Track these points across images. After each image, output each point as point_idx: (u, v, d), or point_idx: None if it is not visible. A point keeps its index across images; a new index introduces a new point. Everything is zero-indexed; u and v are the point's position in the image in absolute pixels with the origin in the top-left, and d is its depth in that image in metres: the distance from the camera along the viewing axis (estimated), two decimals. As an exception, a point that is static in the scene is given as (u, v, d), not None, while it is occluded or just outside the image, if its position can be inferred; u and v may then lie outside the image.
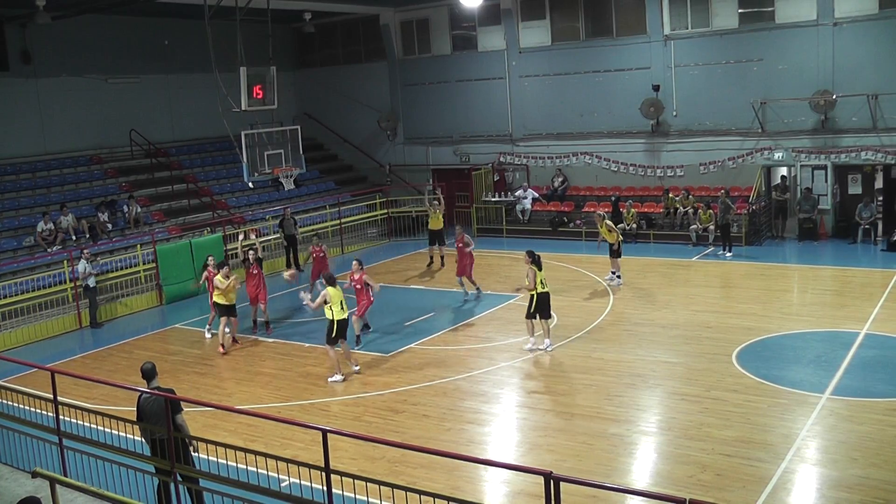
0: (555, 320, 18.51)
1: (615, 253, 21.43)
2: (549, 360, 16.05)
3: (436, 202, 24.91)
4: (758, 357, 15.38)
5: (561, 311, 19.23)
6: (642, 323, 18.08)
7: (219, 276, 18.05)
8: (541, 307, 16.42)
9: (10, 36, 26.04)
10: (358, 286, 17.38)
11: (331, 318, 15.37)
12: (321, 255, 21.42)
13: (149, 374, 10.21)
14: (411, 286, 22.94)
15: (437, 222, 24.51)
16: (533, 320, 16.56)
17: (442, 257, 24.63)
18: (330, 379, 15.58)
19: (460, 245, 20.83)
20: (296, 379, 16.00)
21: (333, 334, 15.49)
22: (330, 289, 15.37)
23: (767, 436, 12.01)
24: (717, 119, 26.93)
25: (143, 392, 10.07)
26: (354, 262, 17.57)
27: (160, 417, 9.80)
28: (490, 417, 13.63)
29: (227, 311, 18.03)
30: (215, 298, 18.25)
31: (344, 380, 15.53)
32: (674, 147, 27.86)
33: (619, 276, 21.43)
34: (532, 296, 16.42)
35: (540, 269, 16.40)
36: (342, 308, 15.42)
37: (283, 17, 30.53)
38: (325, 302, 15.34)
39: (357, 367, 15.92)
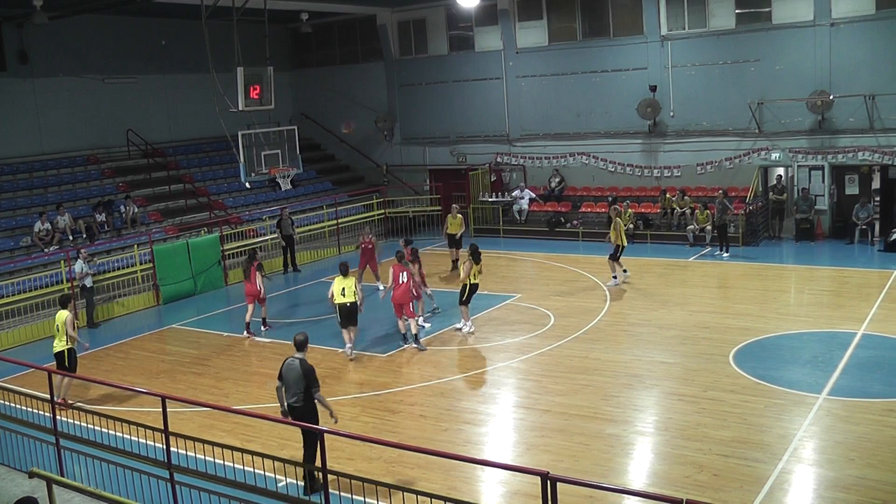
0: (552, 320, 18.58)
1: (616, 255, 21.38)
2: (547, 361, 16.05)
3: (454, 209, 24.42)
4: (755, 357, 15.40)
5: (558, 311, 19.26)
6: (639, 323, 18.09)
7: (67, 314, 14.81)
8: (471, 295, 18.01)
9: (7, 36, 26.02)
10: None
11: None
12: (370, 246, 21.88)
13: (299, 345, 11.17)
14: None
15: (455, 227, 23.87)
16: (465, 307, 18.02)
17: (455, 260, 23.96)
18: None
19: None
20: (293, 379, 15.97)
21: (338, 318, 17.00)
22: (337, 279, 16.82)
23: (764, 436, 12.02)
24: (714, 119, 26.96)
25: (287, 358, 11.12)
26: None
27: (291, 384, 10.87)
28: (487, 417, 13.63)
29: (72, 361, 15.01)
30: (63, 346, 14.74)
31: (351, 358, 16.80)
32: (671, 147, 27.88)
33: (615, 277, 21.44)
34: (465, 285, 17.82)
35: (477, 263, 17.79)
36: (342, 294, 16.61)
37: (279, 18, 30.52)
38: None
39: (348, 352, 16.92)
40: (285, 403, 11.03)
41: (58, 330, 14.78)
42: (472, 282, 17.80)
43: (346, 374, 16.08)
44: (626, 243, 21.78)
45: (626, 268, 21.77)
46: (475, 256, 17.79)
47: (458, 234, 23.94)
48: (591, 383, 14.69)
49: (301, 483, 10.56)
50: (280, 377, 11.08)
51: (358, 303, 16.71)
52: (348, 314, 16.68)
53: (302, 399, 10.84)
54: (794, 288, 21.28)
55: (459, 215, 24.14)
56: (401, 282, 17.29)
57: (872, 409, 12.73)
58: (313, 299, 22.29)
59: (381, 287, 21.81)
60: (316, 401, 10.90)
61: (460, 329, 18.22)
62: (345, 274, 16.79)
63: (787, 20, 25.30)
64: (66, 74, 27.64)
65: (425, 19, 32.31)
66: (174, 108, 31.00)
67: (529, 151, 30.77)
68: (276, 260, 26.22)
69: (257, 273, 19.14)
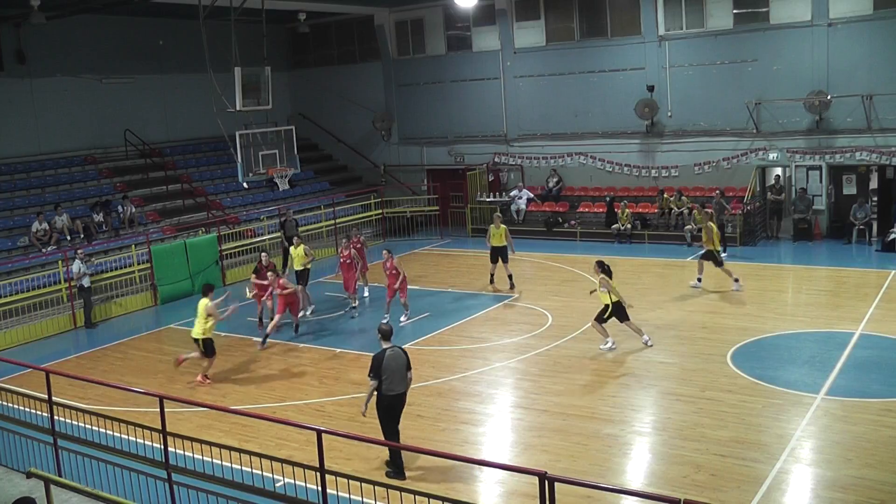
0: (550, 320, 18.59)
1: (718, 261, 20.60)
2: (545, 361, 16.05)
3: (497, 218, 22.69)
4: (752, 357, 15.41)
5: (556, 311, 19.26)
6: (637, 323, 18.04)
7: (208, 303, 15.83)
8: (617, 313, 16.34)
9: (5, 36, 25.98)
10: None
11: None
12: (358, 245, 21.65)
13: (390, 334, 11.49)
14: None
15: (499, 238, 21.86)
16: (603, 324, 16.39)
17: (510, 276, 22.07)
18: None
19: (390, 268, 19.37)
20: (290, 379, 16.00)
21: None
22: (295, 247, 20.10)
23: (762, 436, 12.04)
24: (711, 119, 26.97)
25: (384, 349, 11.27)
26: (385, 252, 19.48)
27: (398, 373, 11.17)
28: (484, 418, 13.64)
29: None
30: (199, 335, 15.85)
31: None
32: (668, 147, 27.89)
33: (735, 281, 20.41)
34: (607, 305, 16.21)
35: (610, 278, 16.30)
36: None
37: (277, 18, 30.49)
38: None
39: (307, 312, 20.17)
40: (393, 393, 11.22)
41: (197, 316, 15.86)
42: (614, 300, 16.17)
43: (344, 373, 16.09)
44: (719, 247, 20.93)
45: (738, 277, 20.54)
46: (609, 272, 16.35)
47: (503, 247, 21.83)
48: (589, 383, 14.71)
49: (299, 483, 10.56)
50: (376, 373, 11.11)
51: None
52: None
53: (406, 384, 11.35)
54: (792, 288, 21.31)
55: (503, 225, 22.05)
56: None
57: (870, 409, 12.75)
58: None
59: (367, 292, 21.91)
60: (408, 380, 11.39)
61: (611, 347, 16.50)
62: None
63: (785, 20, 25.31)
64: (64, 74, 27.60)
65: (423, 19, 32.31)
66: (172, 108, 30.97)
67: (527, 151, 30.76)
68: (274, 260, 26.21)
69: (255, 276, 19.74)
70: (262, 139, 22.39)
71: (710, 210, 23.04)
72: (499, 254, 21.89)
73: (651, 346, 16.37)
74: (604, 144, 29.03)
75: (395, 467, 11.30)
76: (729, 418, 12.72)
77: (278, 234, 26.34)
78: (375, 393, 11.25)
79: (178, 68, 30.17)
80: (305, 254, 20.56)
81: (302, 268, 20.51)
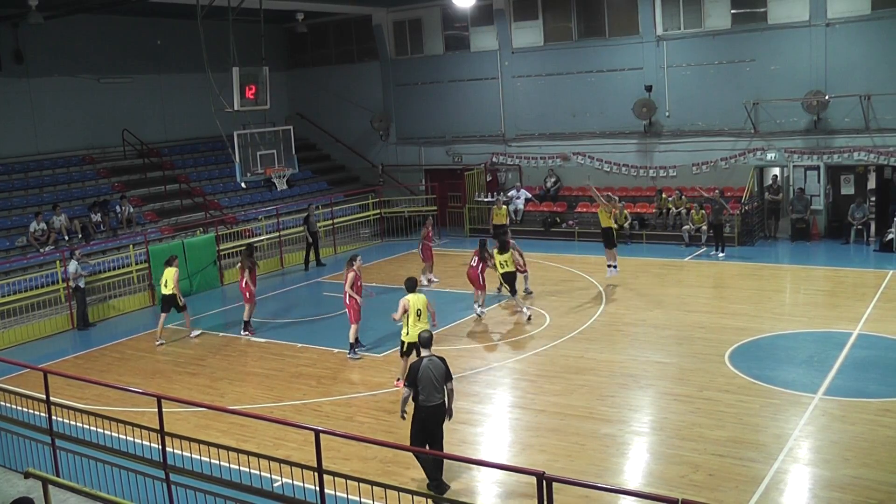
0: (548, 320, 18.59)
1: (612, 243, 21.38)
2: (543, 361, 16.06)
3: (501, 199, 25.71)
4: (750, 357, 15.42)
5: (554, 311, 19.26)
6: (635, 323, 18.10)
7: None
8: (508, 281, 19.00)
9: (3, 36, 25.95)
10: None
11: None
12: (428, 232, 23.09)
13: (429, 342, 11.15)
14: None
15: (501, 217, 24.89)
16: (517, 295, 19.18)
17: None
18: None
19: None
20: (288, 379, 15.99)
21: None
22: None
23: (760, 436, 12.04)
24: (709, 119, 26.97)
25: (422, 358, 10.83)
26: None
27: (436, 383, 10.62)
28: (482, 418, 13.64)
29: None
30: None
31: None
32: (666, 147, 27.90)
33: (615, 267, 21.33)
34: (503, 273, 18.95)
35: (501, 253, 18.87)
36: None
37: (275, 18, 30.51)
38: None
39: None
40: (430, 405, 10.62)
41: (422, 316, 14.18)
42: (503, 271, 18.91)
43: (341, 373, 16.08)
44: (613, 224, 21.75)
45: (616, 265, 21.45)
46: (503, 248, 18.95)
47: (504, 225, 24.44)
48: (587, 383, 14.70)
49: (296, 483, 10.56)
50: (412, 382, 10.53)
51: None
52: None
53: (443, 396, 10.73)
54: (790, 288, 21.32)
55: (505, 206, 24.92)
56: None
57: (868, 409, 12.76)
58: (309, 300, 22.29)
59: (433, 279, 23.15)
60: (448, 391, 10.76)
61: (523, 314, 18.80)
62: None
63: (783, 20, 25.33)
64: (62, 74, 27.58)
65: (421, 19, 32.30)
66: (169, 108, 30.96)
67: (525, 151, 30.76)
68: (272, 261, 26.28)
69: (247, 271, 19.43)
70: (259, 139, 22.39)
71: (616, 197, 24.60)
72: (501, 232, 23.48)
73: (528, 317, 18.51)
74: (602, 144, 29.03)
75: (434, 480, 10.68)
76: (727, 418, 12.73)
77: (301, 228, 26.51)
78: (413, 402, 10.69)
79: (176, 68, 30.16)
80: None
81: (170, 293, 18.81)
